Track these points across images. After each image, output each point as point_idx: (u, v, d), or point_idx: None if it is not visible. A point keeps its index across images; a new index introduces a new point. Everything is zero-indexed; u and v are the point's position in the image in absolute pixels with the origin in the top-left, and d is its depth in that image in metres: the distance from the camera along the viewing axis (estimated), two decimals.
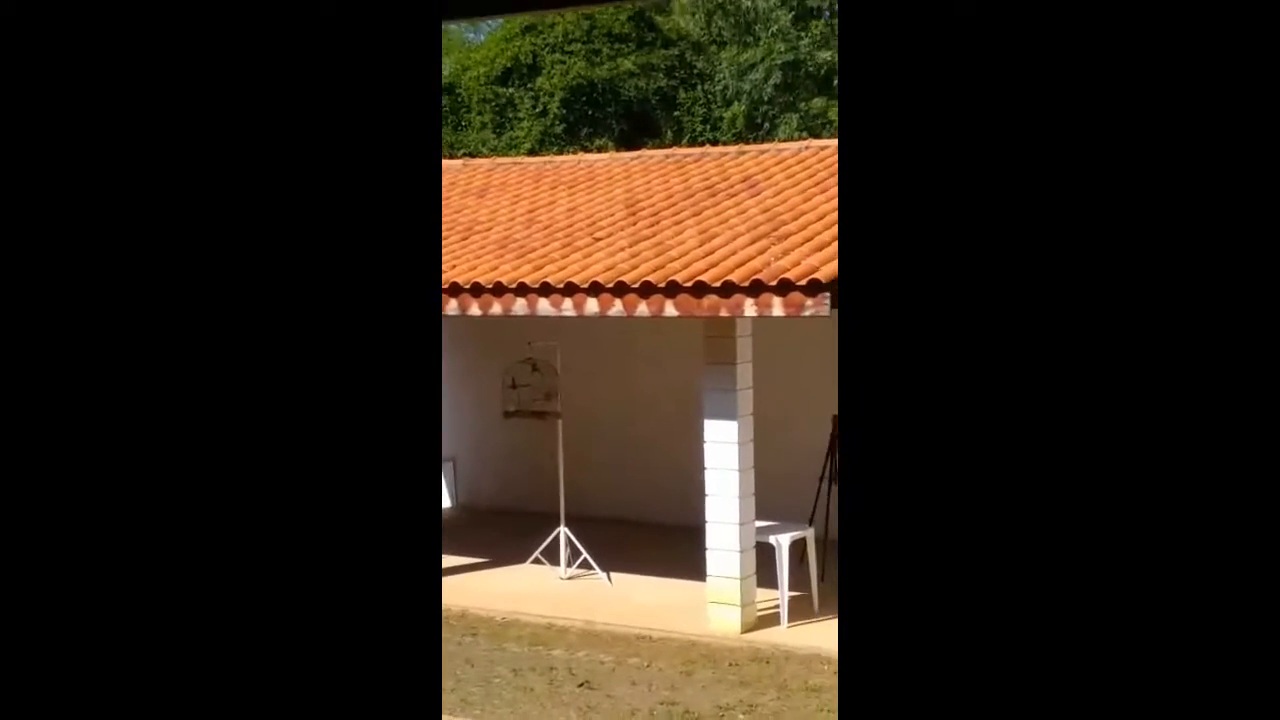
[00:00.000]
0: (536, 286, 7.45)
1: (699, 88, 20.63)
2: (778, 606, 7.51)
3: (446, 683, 6.57)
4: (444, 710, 6.14)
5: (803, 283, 6.65)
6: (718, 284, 6.89)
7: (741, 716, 6.08)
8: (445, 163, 11.75)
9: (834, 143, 9.92)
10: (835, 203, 8.07)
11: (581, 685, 6.59)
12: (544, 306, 7.45)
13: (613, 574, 8.56)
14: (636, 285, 7.13)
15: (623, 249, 7.81)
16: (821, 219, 7.77)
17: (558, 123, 19.95)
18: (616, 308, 7.22)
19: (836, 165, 9.16)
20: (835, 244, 7.16)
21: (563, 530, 8.65)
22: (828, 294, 6.61)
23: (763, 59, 19.63)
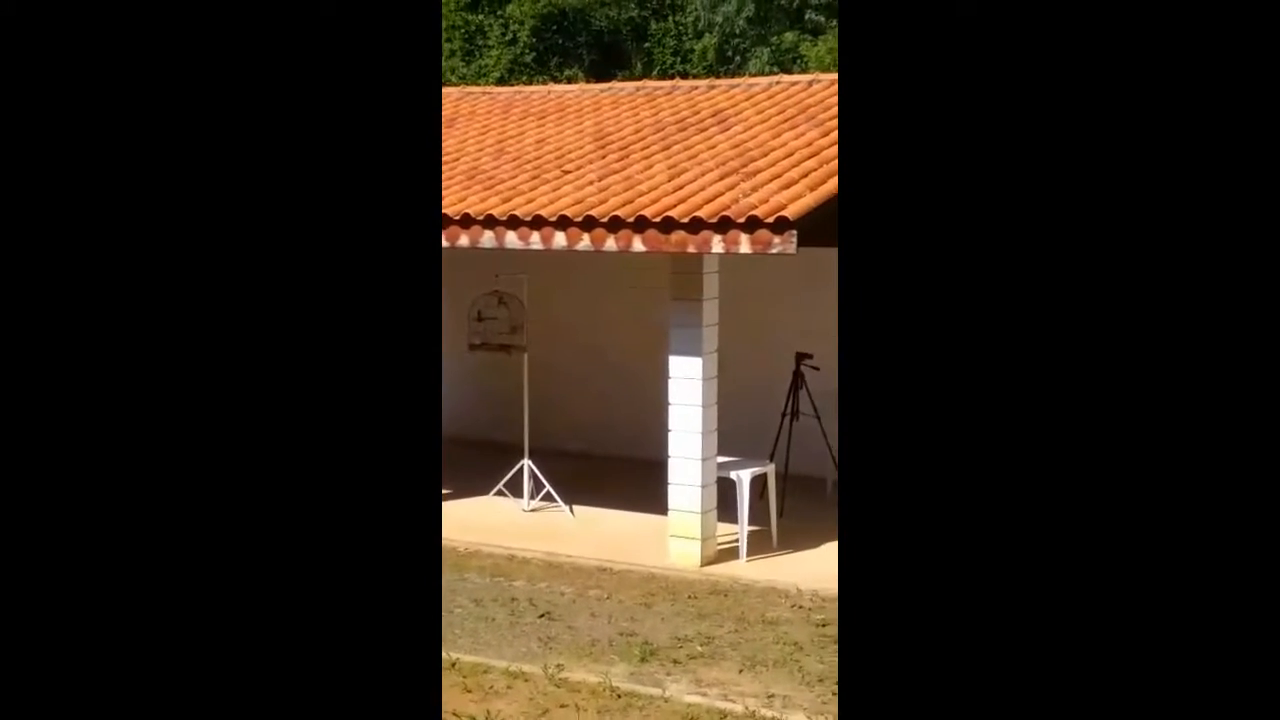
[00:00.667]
0: (504, 219, 7.41)
1: (670, 18, 20.42)
2: (737, 541, 7.60)
3: None
4: None
5: (770, 220, 6.66)
6: (686, 220, 6.88)
7: (699, 648, 6.17)
8: None
9: (805, 78, 9.86)
10: (803, 139, 8.05)
11: (542, 616, 6.66)
12: (511, 240, 7.42)
13: (575, 507, 8.62)
14: (605, 220, 7.11)
15: (591, 183, 7.77)
16: (790, 156, 7.75)
17: (527, 51, 19.72)
18: (584, 242, 7.20)
19: (808, 103, 9.05)
20: (803, 181, 7.15)
21: (526, 463, 8.69)
22: (795, 231, 6.62)
23: None
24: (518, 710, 5.35)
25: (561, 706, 5.38)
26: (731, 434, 7.84)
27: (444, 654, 5.98)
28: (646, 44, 20.41)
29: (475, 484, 9.04)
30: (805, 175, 7.26)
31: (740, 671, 5.85)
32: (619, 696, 5.50)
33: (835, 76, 9.92)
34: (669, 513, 7.62)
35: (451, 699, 5.46)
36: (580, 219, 7.17)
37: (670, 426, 7.59)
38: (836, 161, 7.40)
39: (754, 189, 7.14)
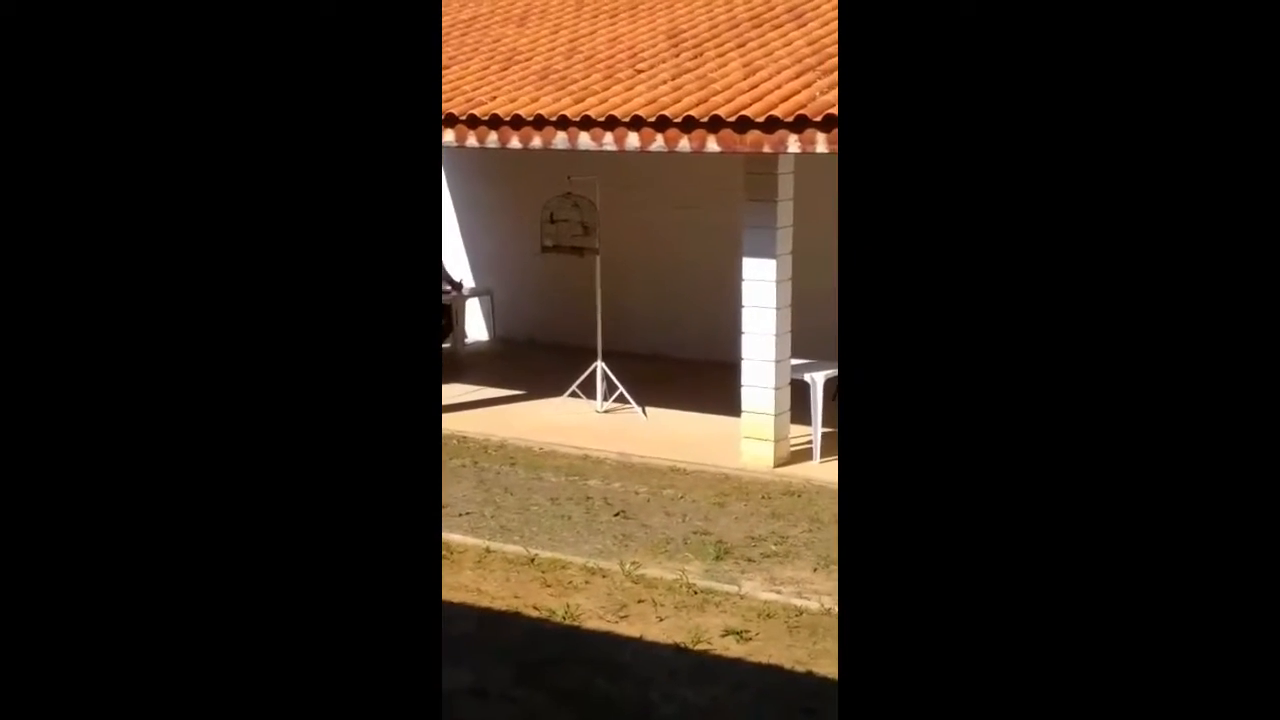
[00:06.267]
0: (577, 120, 7.36)
1: None
2: (810, 442, 7.62)
3: (485, 510, 6.75)
4: (485, 536, 6.32)
5: None
6: (761, 119, 6.80)
7: (773, 547, 6.23)
8: None
9: None
10: None
11: (617, 515, 6.75)
12: (584, 140, 7.38)
13: (648, 408, 8.68)
14: (679, 120, 7.04)
15: (665, 82, 7.69)
16: None
17: None
18: (658, 143, 7.15)
19: None
20: None
21: (599, 365, 8.74)
22: None
23: None
24: (597, 605, 5.46)
25: (639, 602, 5.48)
26: (805, 336, 7.82)
27: (523, 549, 6.10)
28: None
29: (549, 386, 9.12)
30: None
31: (814, 570, 5.91)
32: (696, 593, 5.58)
33: None
34: (742, 414, 7.65)
35: (531, 593, 5.58)
36: (654, 119, 7.11)
37: (744, 329, 7.59)
38: None
39: (830, 87, 7.02)
